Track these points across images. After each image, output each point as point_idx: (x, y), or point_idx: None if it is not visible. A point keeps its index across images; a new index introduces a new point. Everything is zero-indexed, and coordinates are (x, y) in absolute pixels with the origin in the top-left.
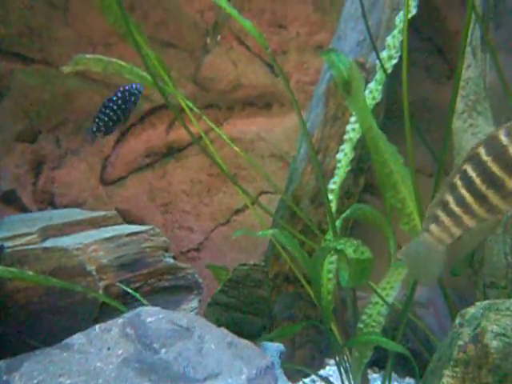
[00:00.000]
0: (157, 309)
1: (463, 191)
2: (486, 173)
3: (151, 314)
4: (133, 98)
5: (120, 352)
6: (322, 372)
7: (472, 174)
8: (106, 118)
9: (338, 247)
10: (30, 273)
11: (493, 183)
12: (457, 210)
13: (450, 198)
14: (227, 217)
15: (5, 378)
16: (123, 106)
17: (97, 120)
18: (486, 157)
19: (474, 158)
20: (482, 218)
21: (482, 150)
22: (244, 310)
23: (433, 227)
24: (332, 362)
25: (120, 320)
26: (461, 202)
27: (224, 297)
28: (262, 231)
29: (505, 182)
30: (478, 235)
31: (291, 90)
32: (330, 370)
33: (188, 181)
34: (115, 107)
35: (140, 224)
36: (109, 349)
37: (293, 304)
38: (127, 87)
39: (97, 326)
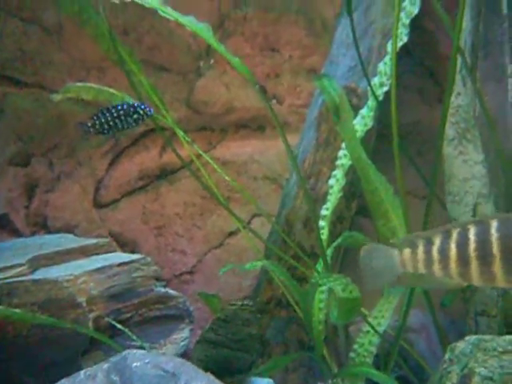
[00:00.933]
0: (143, 352)
1: (453, 245)
2: (484, 245)
3: (138, 359)
4: (135, 116)
5: None
6: None
7: (472, 236)
8: (103, 120)
9: (328, 285)
10: (17, 310)
11: (483, 257)
12: (435, 254)
13: (437, 241)
14: (220, 240)
15: None
16: (123, 118)
17: (95, 117)
18: (495, 232)
19: (482, 226)
20: (450, 275)
21: (494, 224)
22: (233, 347)
23: (406, 251)
24: None
25: (105, 365)
26: (444, 251)
27: (212, 335)
28: (251, 263)
29: (493, 263)
30: (435, 283)
31: (277, 117)
32: None
33: (181, 203)
34: (115, 114)
35: (133, 247)
36: None
37: (286, 328)
38: (136, 104)
39: (82, 372)
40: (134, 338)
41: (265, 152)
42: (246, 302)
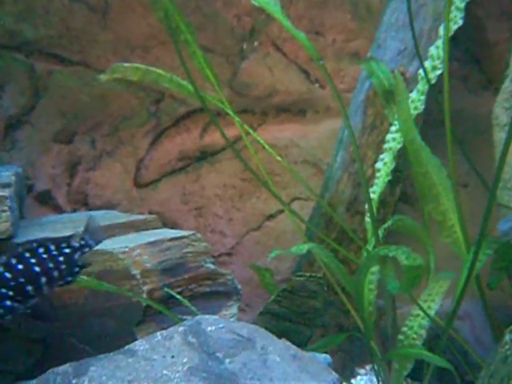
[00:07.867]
0: (216, 318)
1: None
2: None
3: (211, 323)
4: None
5: (185, 360)
6: (353, 381)
7: None
8: None
9: (390, 254)
10: (84, 277)
11: None
12: None
13: None
14: (259, 222)
15: (74, 381)
16: None
17: None
18: None
19: None
20: None
21: None
22: (294, 320)
23: None
24: (363, 371)
25: (181, 328)
26: None
27: (276, 306)
28: (297, 247)
29: None
30: None
31: (341, 99)
32: (362, 379)
33: (221, 185)
34: None
35: (172, 227)
36: (173, 357)
37: (325, 312)
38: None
39: (158, 333)
40: (193, 309)
41: (305, 136)
42: (314, 274)
